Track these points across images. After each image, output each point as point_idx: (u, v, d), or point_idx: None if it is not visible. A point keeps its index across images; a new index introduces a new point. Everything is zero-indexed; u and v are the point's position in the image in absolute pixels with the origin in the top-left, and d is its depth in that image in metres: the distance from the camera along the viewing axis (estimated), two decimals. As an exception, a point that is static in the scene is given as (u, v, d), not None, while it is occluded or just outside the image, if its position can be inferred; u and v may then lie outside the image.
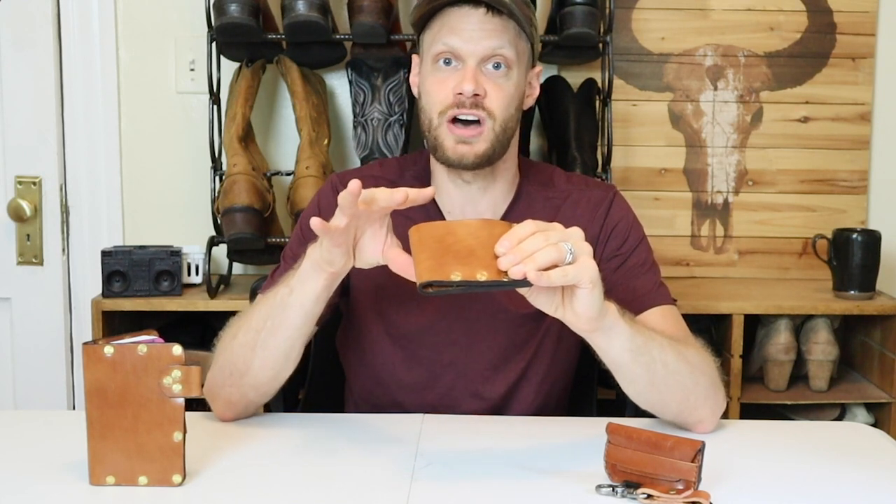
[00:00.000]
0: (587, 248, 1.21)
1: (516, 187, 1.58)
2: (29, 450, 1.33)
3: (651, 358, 1.33)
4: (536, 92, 1.57)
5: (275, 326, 1.36)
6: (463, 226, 1.20)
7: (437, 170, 1.55)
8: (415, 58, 1.55)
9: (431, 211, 1.56)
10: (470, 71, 1.44)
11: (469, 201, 1.55)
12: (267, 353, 1.39)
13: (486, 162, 1.48)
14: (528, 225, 1.19)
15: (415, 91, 1.55)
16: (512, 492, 1.21)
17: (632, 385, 1.37)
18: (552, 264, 1.17)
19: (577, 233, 1.21)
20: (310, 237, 1.55)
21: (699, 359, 1.40)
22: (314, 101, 2.28)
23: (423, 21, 1.50)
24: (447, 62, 1.46)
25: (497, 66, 1.46)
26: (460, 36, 1.45)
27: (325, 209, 1.56)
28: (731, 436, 1.42)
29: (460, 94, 1.44)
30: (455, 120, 1.46)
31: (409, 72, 2.24)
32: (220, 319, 2.23)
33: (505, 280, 1.16)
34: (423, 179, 1.59)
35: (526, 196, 1.58)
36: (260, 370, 1.40)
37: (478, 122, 1.45)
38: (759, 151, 2.50)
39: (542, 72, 1.60)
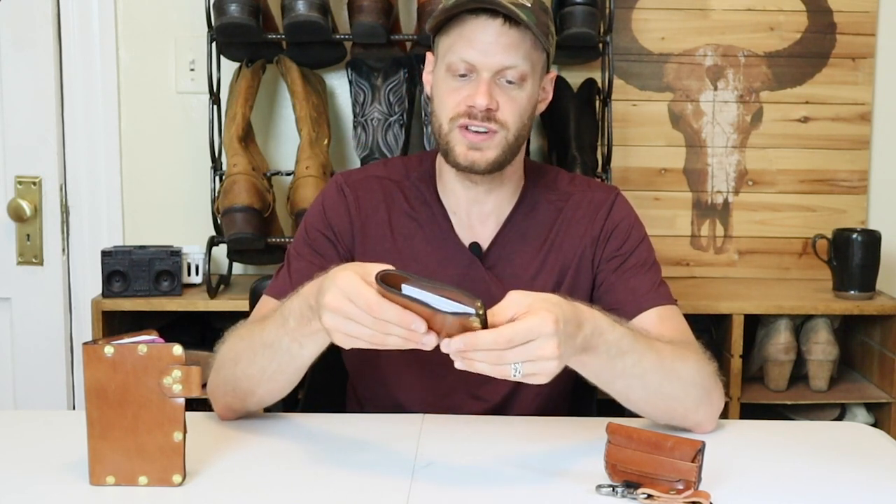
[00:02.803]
0: (545, 369, 1.16)
1: (521, 189, 1.58)
2: (29, 450, 1.33)
3: (626, 384, 1.33)
4: (549, 97, 1.56)
5: (282, 369, 1.35)
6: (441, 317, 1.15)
7: (445, 170, 1.55)
8: (429, 55, 1.55)
9: (437, 211, 1.56)
10: (484, 84, 1.43)
11: (475, 202, 1.55)
12: (273, 385, 1.39)
13: (497, 168, 1.48)
14: (497, 338, 1.13)
15: (427, 89, 1.55)
16: (512, 492, 1.21)
17: (614, 397, 1.38)
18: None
19: (543, 349, 1.15)
20: (314, 238, 1.55)
21: (690, 370, 1.38)
22: (314, 101, 2.29)
23: (438, 25, 1.49)
24: (462, 75, 1.46)
25: (511, 81, 1.45)
26: (476, 48, 1.43)
27: (330, 209, 1.56)
28: (731, 436, 1.42)
29: (472, 106, 1.44)
30: (465, 126, 1.45)
31: (409, 72, 2.25)
32: (220, 319, 2.25)
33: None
34: (429, 181, 1.59)
35: (530, 198, 1.58)
36: (265, 395, 1.41)
37: (489, 131, 1.45)
38: (759, 151, 2.50)
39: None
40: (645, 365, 1.32)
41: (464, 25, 1.44)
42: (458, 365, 1.16)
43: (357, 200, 1.56)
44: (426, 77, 1.55)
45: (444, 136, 1.48)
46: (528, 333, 1.14)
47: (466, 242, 1.55)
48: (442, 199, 1.57)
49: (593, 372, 1.30)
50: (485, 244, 1.55)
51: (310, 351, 1.32)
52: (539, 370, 1.16)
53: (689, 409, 1.38)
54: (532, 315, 1.15)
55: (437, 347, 1.53)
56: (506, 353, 1.14)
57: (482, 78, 1.44)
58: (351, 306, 1.15)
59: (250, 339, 1.38)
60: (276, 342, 1.32)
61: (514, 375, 1.15)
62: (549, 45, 1.48)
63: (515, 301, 1.17)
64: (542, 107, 1.55)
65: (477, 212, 1.55)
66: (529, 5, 1.43)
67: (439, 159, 1.56)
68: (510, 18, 1.42)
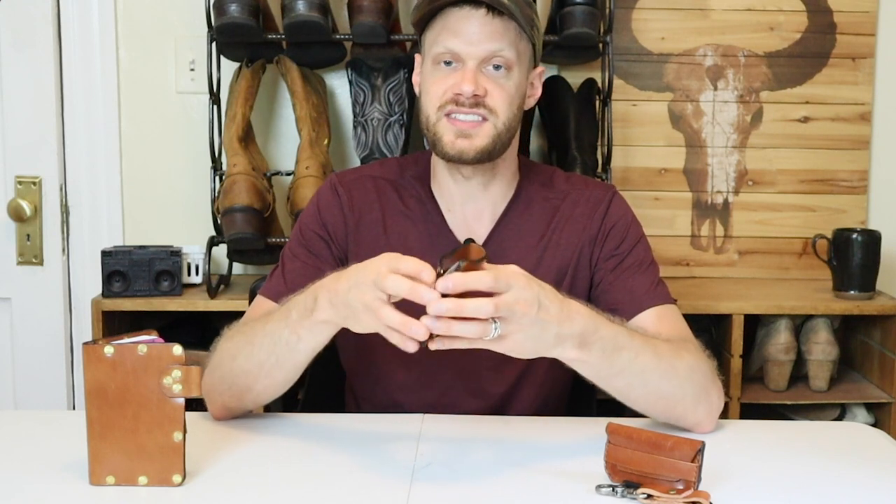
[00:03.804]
0: (515, 328, 1.18)
1: (516, 186, 1.59)
2: (29, 450, 1.33)
3: (625, 383, 1.33)
4: (538, 93, 1.57)
5: (280, 363, 1.36)
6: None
7: (438, 167, 1.55)
8: (417, 57, 1.56)
9: (431, 208, 1.56)
10: (469, 72, 1.44)
11: (469, 198, 1.55)
12: (271, 381, 1.39)
13: (487, 157, 1.48)
14: (488, 275, 1.16)
15: (416, 90, 1.56)
16: (512, 492, 1.21)
17: (614, 395, 1.38)
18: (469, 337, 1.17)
19: (521, 302, 1.17)
20: (309, 238, 1.55)
21: (691, 369, 1.38)
22: (314, 101, 2.29)
23: (423, 21, 1.50)
24: (447, 63, 1.47)
25: (497, 67, 1.46)
26: (460, 38, 1.44)
27: (325, 209, 1.57)
28: (731, 436, 1.42)
29: (459, 93, 1.44)
30: (452, 113, 1.46)
31: (409, 72, 2.25)
32: (220, 319, 2.24)
33: None
34: (424, 180, 1.59)
35: (525, 195, 1.58)
36: (263, 392, 1.41)
37: (479, 118, 1.46)
38: (759, 151, 2.50)
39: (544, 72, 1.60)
40: (642, 361, 1.32)
41: (447, 18, 1.46)
42: (433, 345, 1.18)
43: (351, 200, 1.57)
44: (415, 78, 1.56)
45: (431, 128, 1.48)
46: (507, 281, 1.15)
47: (461, 238, 1.55)
48: (436, 197, 1.57)
49: (592, 369, 1.30)
50: (480, 240, 1.55)
51: (307, 344, 1.33)
52: (512, 329, 1.17)
53: (687, 407, 1.38)
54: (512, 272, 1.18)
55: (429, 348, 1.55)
56: (493, 305, 1.14)
57: (468, 66, 1.45)
58: (391, 261, 1.19)
59: (252, 334, 1.39)
60: (276, 334, 1.34)
61: (494, 333, 1.16)
62: (534, 36, 1.49)
63: (513, 269, 1.20)
64: (530, 102, 1.55)
65: (472, 208, 1.55)
66: None
67: (434, 158, 1.56)
68: (493, 8, 1.43)
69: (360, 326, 1.24)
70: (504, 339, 1.18)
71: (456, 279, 1.14)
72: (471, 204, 1.55)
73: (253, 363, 1.37)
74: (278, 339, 1.34)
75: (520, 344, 1.20)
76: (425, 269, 1.16)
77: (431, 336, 1.17)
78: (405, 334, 1.17)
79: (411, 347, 1.19)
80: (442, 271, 1.16)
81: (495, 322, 1.17)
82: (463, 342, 1.18)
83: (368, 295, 1.20)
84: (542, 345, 1.22)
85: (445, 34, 1.46)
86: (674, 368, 1.36)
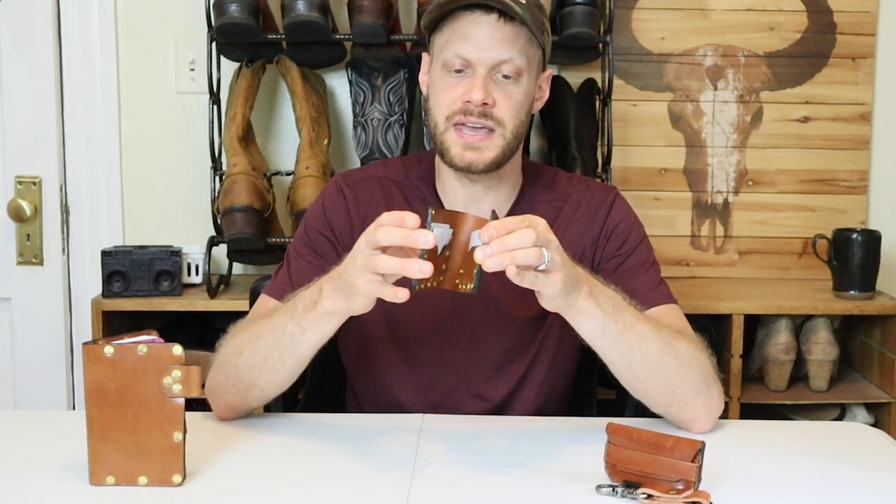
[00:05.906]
0: (560, 261, 1.24)
1: (519, 188, 1.59)
2: (29, 450, 1.33)
3: (628, 347, 1.34)
4: (546, 95, 1.56)
5: (284, 357, 1.37)
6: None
7: (443, 169, 1.55)
8: (424, 56, 1.55)
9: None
10: (479, 79, 1.43)
11: (473, 200, 1.55)
12: (275, 376, 1.40)
13: (496, 167, 1.48)
14: (518, 219, 1.22)
15: (423, 89, 1.55)
16: (512, 492, 1.21)
17: (611, 368, 1.38)
18: (529, 266, 1.20)
19: (556, 241, 1.24)
20: (314, 238, 1.55)
21: (690, 354, 1.39)
22: (314, 101, 2.29)
23: (433, 23, 1.49)
24: (458, 71, 1.46)
25: (507, 75, 1.45)
26: (471, 44, 1.43)
27: (330, 209, 1.57)
28: (731, 436, 1.42)
29: (468, 101, 1.44)
30: (461, 124, 1.46)
31: (409, 72, 2.25)
32: (220, 319, 2.25)
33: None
34: (428, 180, 1.59)
35: (528, 197, 1.58)
36: (267, 388, 1.42)
37: (486, 128, 1.46)
38: (759, 151, 2.50)
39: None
40: (643, 327, 1.35)
41: (458, 21, 1.45)
42: (514, 278, 1.20)
43: (356, 200, 1.57)
44: (422, 77, 1.55)
45: (439, 136, 1.48)
46: (532, 219, 1.22)
47: None
48: (441, 199, 1.57)
49: (599, 326, 1.32)
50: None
51: (311, 337, 1.34)
52: (557, 261, 1.22)
53: (688, 392, 1.38)
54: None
55: (437, 349, 1.55)
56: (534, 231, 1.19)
57: (478, 73, 1.44)
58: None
59: (257, 329, 1.40)
60: (281, 327, 1.35)
61: (547, 258, 1.21)
62: (544, 41, 1.48)
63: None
64: (538, 105, 1.55)
65: (476, 210, 1.55)
66: (524, 1, 1.43)
67: (438, 159, 1.56)
68: (505, 14, 1.42)
69: (360, 298, 1.25)
70: (551, 273, 1.22)
71: (496, 224, 1.19)
72: (475, 206, 1.55)
73: (258, 358, 1.38)
74: (283, 332, 1.35)
75: (561, 281, 1.24)
76: (408, 216, 1.19)
77: (420, 284, 1.20)
78: (409, 275, 1.19)
79: (402, 296, 1.21)
80: (430, 226, 1.19)
81: (545, 250, 1.21)
82: (527, 278, 1.21)
83: (361, 257, 1.22)
84: (572, 285, 1.26)
85: (456, 39, 1.45)
86: (672, 345, 1.37)
